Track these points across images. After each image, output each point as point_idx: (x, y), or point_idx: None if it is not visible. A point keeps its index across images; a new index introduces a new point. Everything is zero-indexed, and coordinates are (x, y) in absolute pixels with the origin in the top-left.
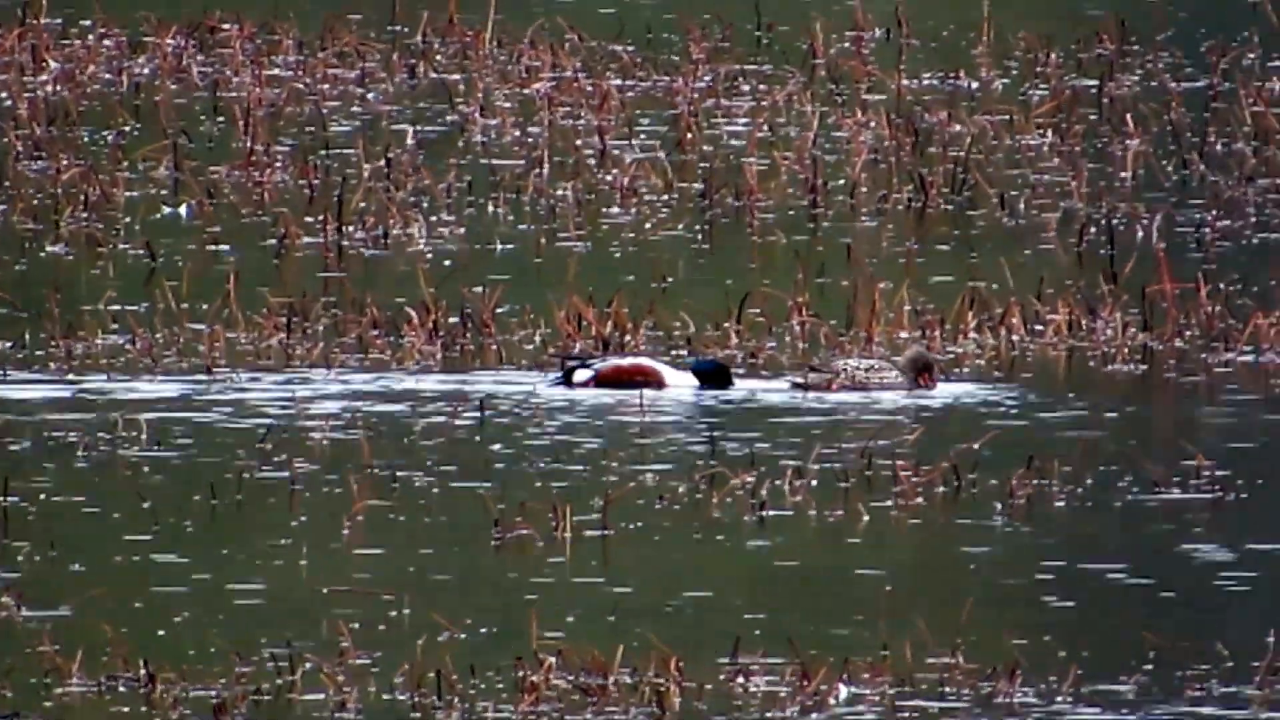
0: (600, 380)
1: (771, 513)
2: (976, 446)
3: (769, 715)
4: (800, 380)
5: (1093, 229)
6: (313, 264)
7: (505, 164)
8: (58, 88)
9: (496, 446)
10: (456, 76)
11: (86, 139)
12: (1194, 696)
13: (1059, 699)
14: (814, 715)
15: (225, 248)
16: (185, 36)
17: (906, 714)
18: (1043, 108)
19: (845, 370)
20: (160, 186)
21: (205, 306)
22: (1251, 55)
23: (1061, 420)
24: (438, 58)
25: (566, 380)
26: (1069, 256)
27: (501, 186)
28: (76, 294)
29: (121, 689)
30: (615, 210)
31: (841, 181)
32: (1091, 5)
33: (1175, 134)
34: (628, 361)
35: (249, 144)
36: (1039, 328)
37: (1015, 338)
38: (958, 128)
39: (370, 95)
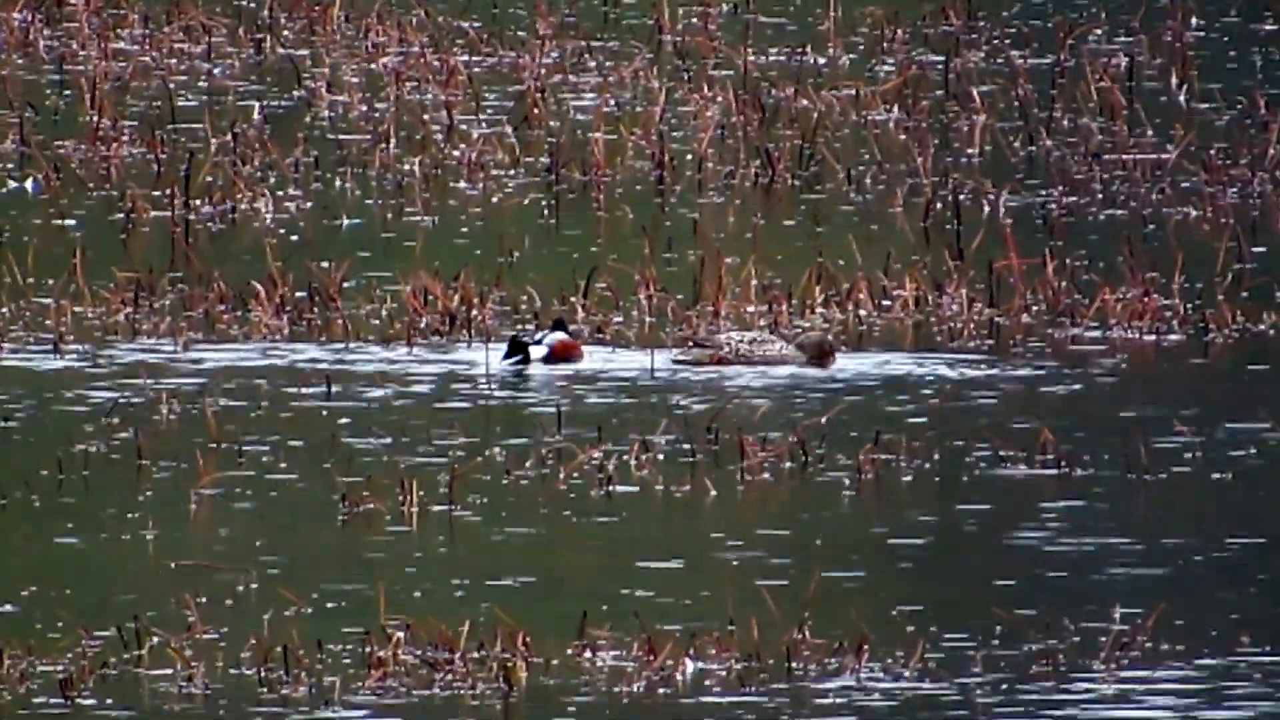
0: (552, 355)
1: (619, 488)
2: (824, 420)
3: (616, 690)
4: (684, 356)
5: (939, 205)
6: (160, 238)
7: (352, 139)
8: None
9: (344, 421)
10: (303, 52)
11: None
12: (1041, 671)
13: (906, 673)
14: (661, 690)
15: (72, 222)
16: (32, 10)
17: (754, 688)
18: (889, 84)
19: (730, 343)
20: (6, 161)
21: (52, 281)
22: (1098, 31)
23: (909, 395)
24: (285, 33)
25: (518, 356)
26: (915, 232)
27: (348, 161)
28: None
29: None
30: (462, 185)
31: (689, 157)
32: None
33: (1022, 110)
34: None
35: (95, 118)
36: (886, 303)
37: (862, 313)
38: (804, 103)
39: (217, 70)
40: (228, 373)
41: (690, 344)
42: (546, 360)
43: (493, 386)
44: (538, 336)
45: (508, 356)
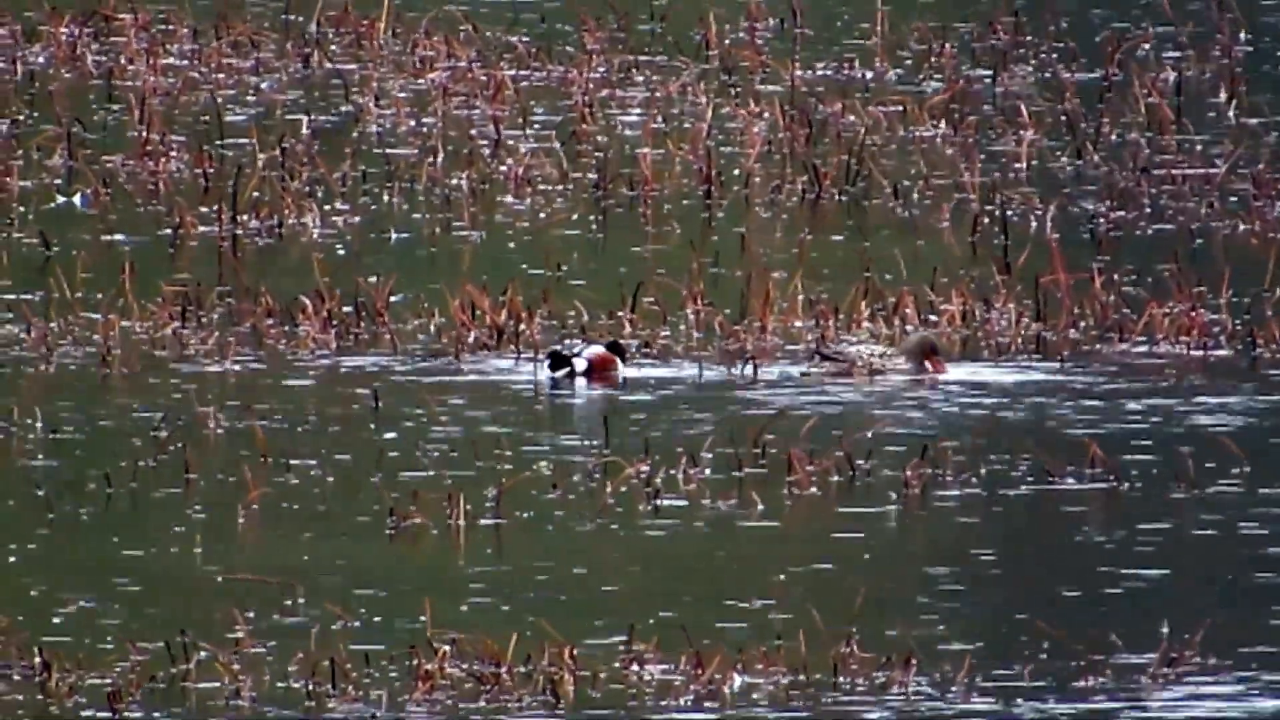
0: (591, 369)
1: (666, 501)
2: (870, 435)
3: (663, 704)
4: (814, 369)
5: (986, 219)
6: (208, 253)
7: (400, 153)
8: None
9: (390, 435)
10: (351, 66)
11: None
12: (1086, 687)
13: (953, 688)
14: (708, 704)
15: (120, 237)
16: (80, 25)
17: (800, 704)
18: (936, 99)
19: (861, 357)
20: (55, 175)
21: (100, 296)
22: (1145, 46)
23: (958, 409)
24: (333, 47)
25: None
26: (962, 247)
27: (396, 176)
28: None
29: (16, 677)
30: (510, 200)
31: (736, 172)
32: None
33: (1069, 125)
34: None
35: (144, 133)
36: (933, 318)
37: (909, 328)
38: (851, 119)
39: (265, 85)
40: (275, 387)
41: (817, 357)
42: (587, 374)
43: (539, 400)
44: (576, 349)
45: (552, 370)
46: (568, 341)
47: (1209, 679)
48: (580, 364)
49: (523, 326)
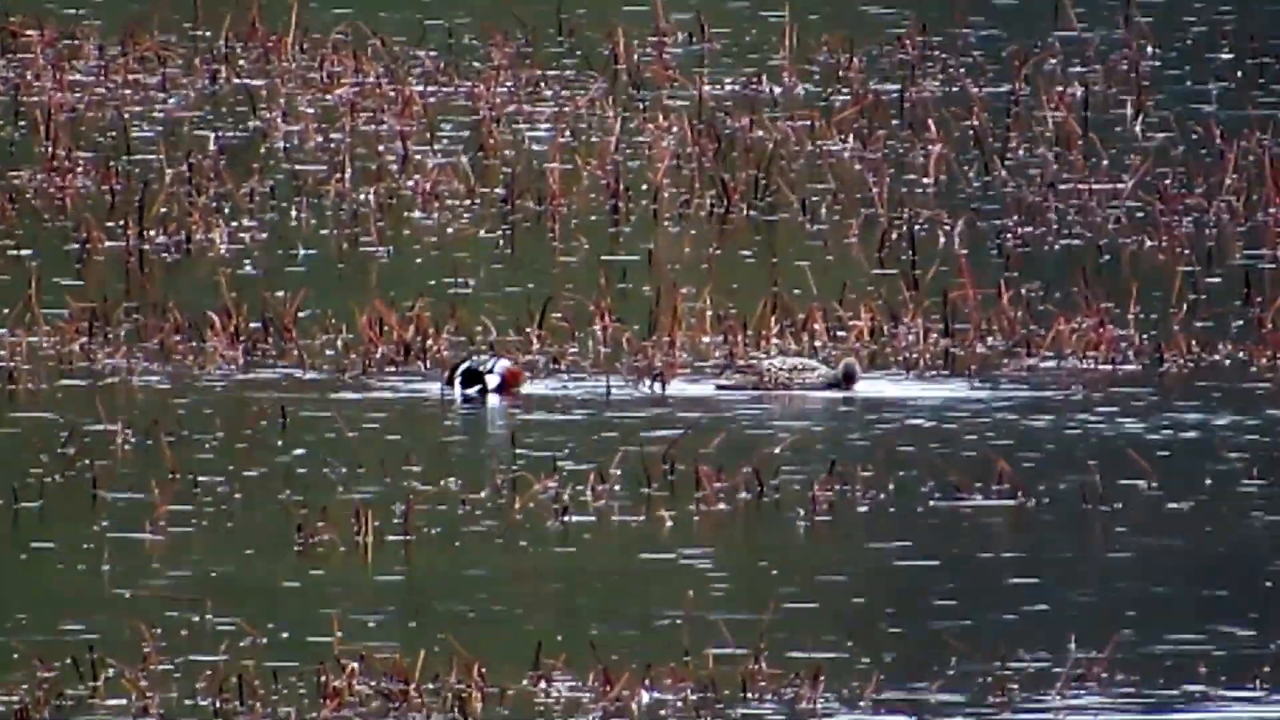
0: (504, 384)
1: (574, 518)
2: (778, 451)
3: None
4: (726, 382)
5: (894, 234)
6: (115, 269)
7: (307, 169)
8: None
9: (298, 452)
10: (259, 82)
11: None
12: (996, 703)
13: (861, 704)
14: None
15: (27, 252)
16: None
17: (709, 719)
18: (844, 113)
19: (770, 370)
20: None
21: (7, 311)
22: (1053, 60)
23: (866, 425)
24: (240, 63)
25: (475, 386)
26: (871, 262)
27: (304, 191)
28: None
29: None
30: (417, 215)
31: (644, 187)
32: (892, 9)
33: (977, 139)
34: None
35: (50, 149)
36: (841, 333)
37: (818, 343)
38: (760, 133)
39: (172, 100)
40: (183, 403)
41: (730, 371)
42: (499, 389)
43: (447, 416)
44: (489, 365)
45: (464, 385)
46: (477, 357)
47: (1116, 695)
48: (493, 380)
49: (430, 342)
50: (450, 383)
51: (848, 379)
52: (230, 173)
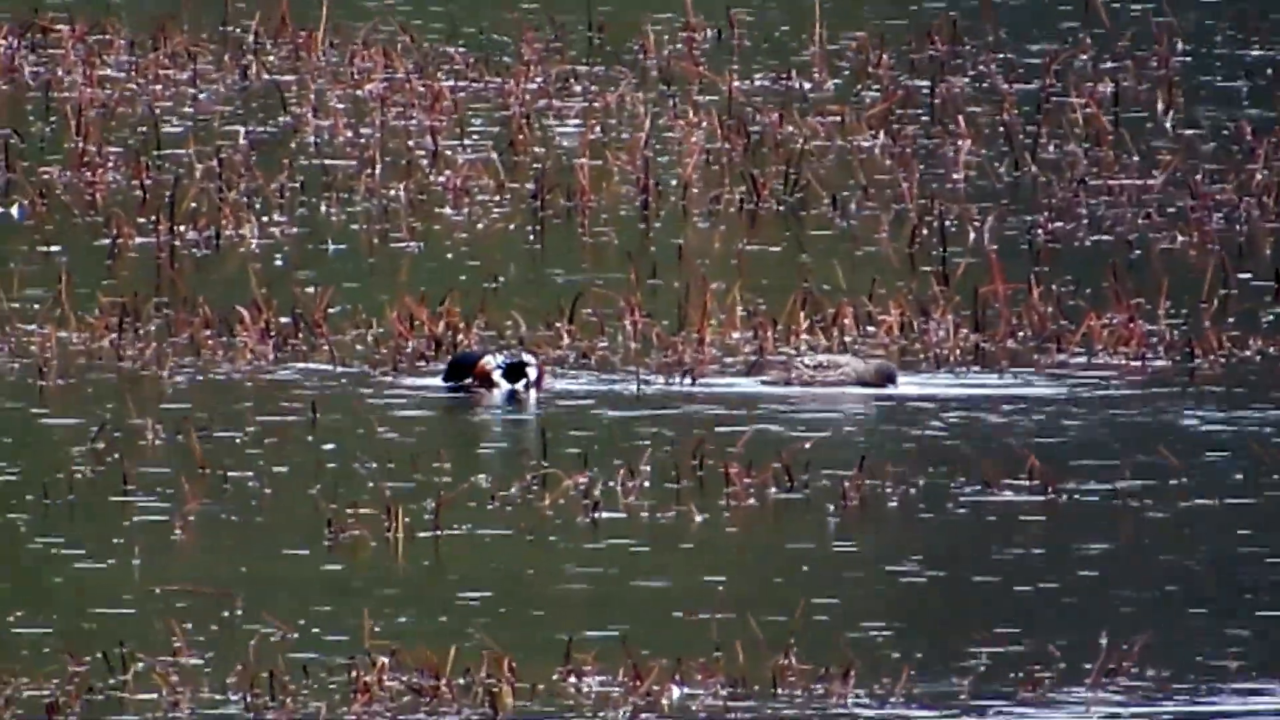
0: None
1: (604, 514)
2: (808, 446)
3: (601, 716)
4: (767, 377)
5: (924, 230)
6: (145, 264)
7: (337, 164)
8: None
9: (329, 447)
10: (289, 77)
11: None
12: (1027, 698)
13: (892, 700)
14: (646, 716)
15: (57, 248)
16: (16, 36)
17: (739, 715)
18: (874, 109)
19: (798, 368)
20: None
21: (37, 307)
22: (1084, 56)
23: (896, 420)
24: (270, 59)
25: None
26: (901, 258)
27: (334, 187)
28: None
29: None
30: (447, 211)
31: (673, 182)
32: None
33: (1008, 136)
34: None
35: (81, 144)
36: (871, 329)
37: (848, 339)
38: (789, 129)
39: (202, 96)
40: (213, 398)
41: (762, 365)
42: (538, 382)
43: (477, 411)
44: (502, 360)
45: (509, 380)
46: (510, 351)
47: (1148, 690)
48: (532, 372)
49: (460, 337)
50: (450, 378)
51: (887, 380)
52: (260, 168)
